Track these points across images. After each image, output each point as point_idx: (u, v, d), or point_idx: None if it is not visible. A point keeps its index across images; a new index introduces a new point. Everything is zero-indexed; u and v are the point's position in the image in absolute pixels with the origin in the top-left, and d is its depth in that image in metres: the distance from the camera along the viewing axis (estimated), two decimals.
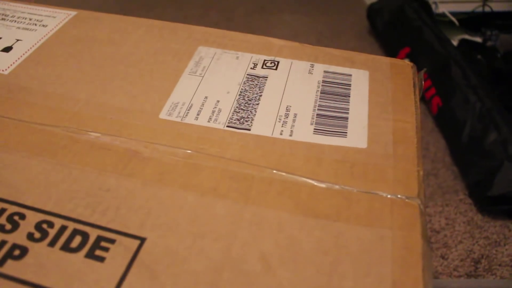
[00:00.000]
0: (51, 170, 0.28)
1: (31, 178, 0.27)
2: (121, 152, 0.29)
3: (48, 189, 0.27)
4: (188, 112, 0.32)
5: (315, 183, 0.27)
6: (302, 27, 1.01)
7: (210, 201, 0.26)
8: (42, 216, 0.25)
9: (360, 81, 0.35)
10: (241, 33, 0.41)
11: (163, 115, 0.32)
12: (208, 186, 0.27)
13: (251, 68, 0.36)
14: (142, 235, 0.24)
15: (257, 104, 0.33)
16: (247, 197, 0.26)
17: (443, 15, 0.95)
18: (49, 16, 0.44)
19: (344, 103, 0.33)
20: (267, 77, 0.35)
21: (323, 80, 0.35)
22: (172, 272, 0.22)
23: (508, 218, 0.60)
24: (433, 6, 0.96)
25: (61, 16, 0.43)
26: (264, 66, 0.37)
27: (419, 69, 0.79)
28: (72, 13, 0.44)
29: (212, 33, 0.40)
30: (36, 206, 0.26)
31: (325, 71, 0.36)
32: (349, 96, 0.34)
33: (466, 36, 0.93)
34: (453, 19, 0.93)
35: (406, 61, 0.38)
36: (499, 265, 0.53)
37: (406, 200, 0.26)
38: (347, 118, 0.32)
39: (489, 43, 0.93)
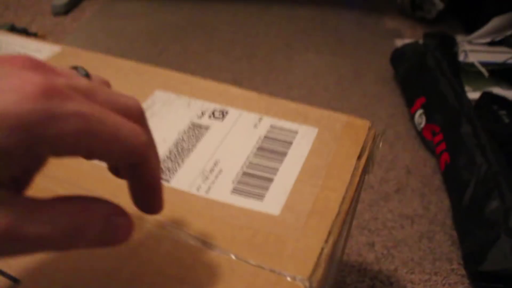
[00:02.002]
0: None
1: None
2: None
3: None
4: None
5: (202, 246, 0.25)
6: (324, 67, 0.99)
7: None
8: None
9: (304, 140, 0.34)
10: (204, 79, 0.41)
11: None
12: None
13: (197, 117, 0.36)
14: None
15: (187, 156, 0.32)
16: (132, 249, 0.25)
17: (472, 65, 0.90)
18: (37, 51, 0.46)
19: (277, 163, 0.31)
20: (208, 128, 0.35)
21: (265, 136, 0.34)
22: None
23: None
24: (462, 55, 0.91)
25: (46, 51, 0.45)
26: (211, 116, 0.36)
27: (432, 121, 0.75)
28: (57, 49, 0.46)
29: (175, 77, 0.40)
30: None
31: (271, 126, 0.35)
32: (286, 156, 0.32)
33: (498, 89, 0.88)
34: (482, 69, 0.88)
35: (366, 122, 0.36)
36: None
37: (293, 280, 0.24)
38: (272, 179, 0.30)
39: None
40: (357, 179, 0.31)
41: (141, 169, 0.19)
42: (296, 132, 0.34)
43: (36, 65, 0.17)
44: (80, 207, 0.17)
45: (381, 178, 0.69)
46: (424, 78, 0.80)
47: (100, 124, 0.17)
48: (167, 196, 0.29)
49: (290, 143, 0.33)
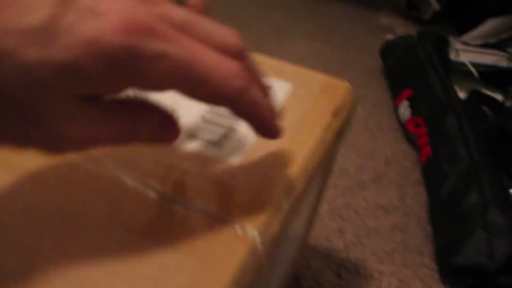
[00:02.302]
0: None
1: None
2: None
3: None
4: None
5: (146, 190, 0.22)
6: (313, 55, 0.96)
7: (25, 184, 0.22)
8: None
9: (276, 95, 0.31)
10: None
11: None
12: (27, 167, 0.23)
13: None
14: None
15: None
16: (64, 189, 0.22)
17: (463, 64, 0.89)
18: None
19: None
20: None
21: None
22: None
23: None
24: (453, 54, 0.90)
25: None
26: None
27: (417, 114, 0.73)
28: None
29: None
30: None
31: None
32: None
33: (486, 91, 0.86)
34: (473, 69, 0.86)
35: (344, 82, 0.33)
36: None
37: (243, 232, 0.21)
38: (234, 129, 0.27)
39: (510, 102, 0.85)
40: (330, 136, 0.28)
41: (237, 110, 0.19)
42: (269, 87, 0.31)
43: None
44: (139, 111, 0.18)
45: (358, 166, 0.66)
46: (413, 70, 0.77)
47: (188, 68, 0.16)
48: None
49: None
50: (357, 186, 0.63)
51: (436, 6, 1.17)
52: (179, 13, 0.18)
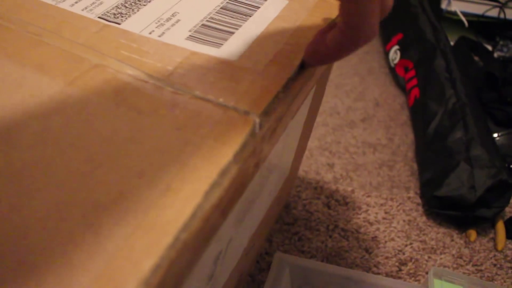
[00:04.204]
0: None
1: None
2: None
3: None
4: None
5: (149, 80, 0.23)
6: None
7: (31, 75, 0.23)
8: None
9: (272, 6, 0.31)
10: None
11: None
12: (37, 61, 0.24)
13: None
14: None
15: (145, 5, 0.29)
16: (70, 78, 0.23)
17: (454, 13, 0.89)
18: None
19: (240, 21, 0.29)
20: None
21: None
22: None
23: (455, 227, 0.54)
24: (445, 2, 0.90)
25: None
26: None
27: (406, 57, 0.74)
28: None
29: None
30: None
31: None
32: (250, 16, 0.30)
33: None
34: (463, 18, 0.86)
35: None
36: (426, 272, 0.48)
37: (242, 114, 0.22)
38: (233, 33, 0.28)
39: (497, 53, 0.87)
40: None
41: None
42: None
43: None
44: None
45: (348, 107, 0.67)
46: (404, 14, 0.78)
47: None
48: (114, 36, 0.26)
49: (257, 7, 0.31)
50: (347, 125, 0.64)
51: None
52: None
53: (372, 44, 0.84)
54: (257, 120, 0.22)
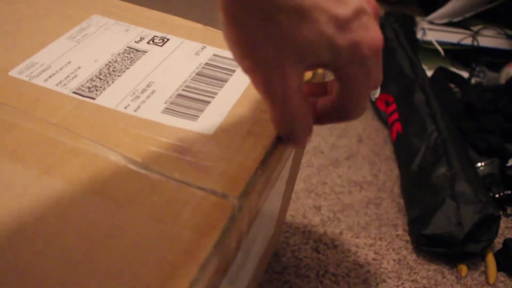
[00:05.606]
0: None
1: None
2: None
3: None
4: (41, 74, 0.29)
5: (126, 163, 0.23)
6: None
7: (4, 163, 0.22)
8: None
9: None
10: (151, 10, 0.38)
11: (13, 72, 0.29)
12: (10, 148, 0.23)
13: (135, 42, 0.33)
14: None
15: (119, 76, 0.29)
16: (45, 166, 0.22)
17: (430, 43, 0.91)
18: None
19: (216, 88, 0.29)
20: (146, 52, 0.32)
21: (206, 63, 0.31)
22: None
23: (445, 263, 0.54)
24: (420, 33, 0.92)
25: None
26: (150, 42, 0.33)
27: (386, 91, 0.75)
28: None
29: (119, 6, 0.37)
30: None
31: (214, 54, 0.32)
32: (226, 82, 0.30)
33: (452, 69, 0.89)
34: (439, 48, 0.88)
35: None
36: None
37: (221, 198, 0.21)
38: (209, 102, 0.28)
39: (474, 79, 0.88)
40: None
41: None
42: None
43: None
44: None
45: (332, 145, 0.68)
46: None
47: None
48: (89, 113, 0.26)
49: (233, 71, 0.31)
50: (332, 164, 0.65)
51: None
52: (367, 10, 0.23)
53: None
54: (236, 203, 0.21)
